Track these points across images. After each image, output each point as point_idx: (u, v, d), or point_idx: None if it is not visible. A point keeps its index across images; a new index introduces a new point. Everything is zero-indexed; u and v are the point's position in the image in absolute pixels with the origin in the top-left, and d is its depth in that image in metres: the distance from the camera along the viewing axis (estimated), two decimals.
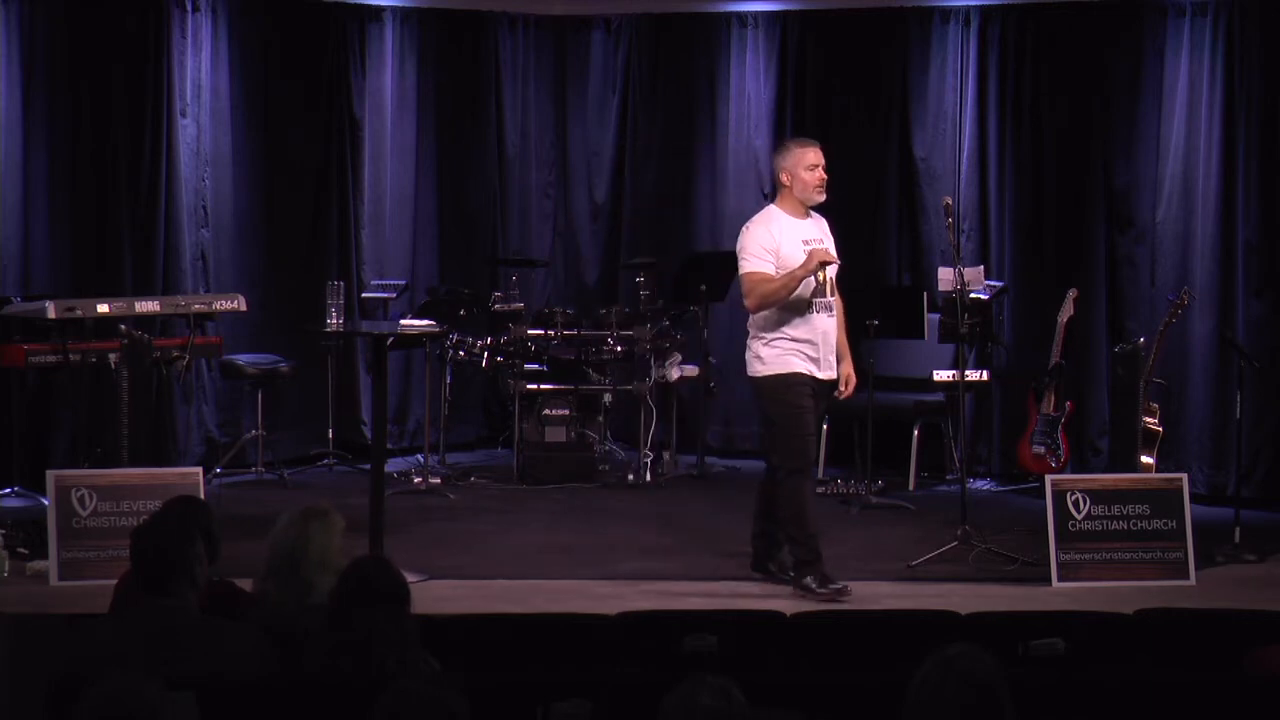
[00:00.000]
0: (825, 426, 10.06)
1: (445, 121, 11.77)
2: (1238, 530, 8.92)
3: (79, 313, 9.13)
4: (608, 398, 10.96)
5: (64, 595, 7.59)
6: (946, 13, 10.98)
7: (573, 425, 10.77)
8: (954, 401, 9.98)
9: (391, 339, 8.86)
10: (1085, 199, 10.63)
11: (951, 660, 3.74)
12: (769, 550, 8.19)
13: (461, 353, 10.72)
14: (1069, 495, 8.25)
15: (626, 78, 11.97)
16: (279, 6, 11.05)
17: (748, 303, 8.02)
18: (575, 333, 10.72)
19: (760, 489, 8.24)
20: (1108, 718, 4.62)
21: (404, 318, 10.23)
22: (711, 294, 10.77)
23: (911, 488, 10.44)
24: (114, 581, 5.45)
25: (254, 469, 10.53)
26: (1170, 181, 10.37)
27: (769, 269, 7.91)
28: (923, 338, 10.05)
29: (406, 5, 11.55)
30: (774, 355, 7.95)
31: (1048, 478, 8.45)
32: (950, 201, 9.14)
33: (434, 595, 7.44)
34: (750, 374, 8.08)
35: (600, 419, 10.99)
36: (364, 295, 11.14)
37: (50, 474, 8.12)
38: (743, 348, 8.20)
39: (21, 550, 8.24)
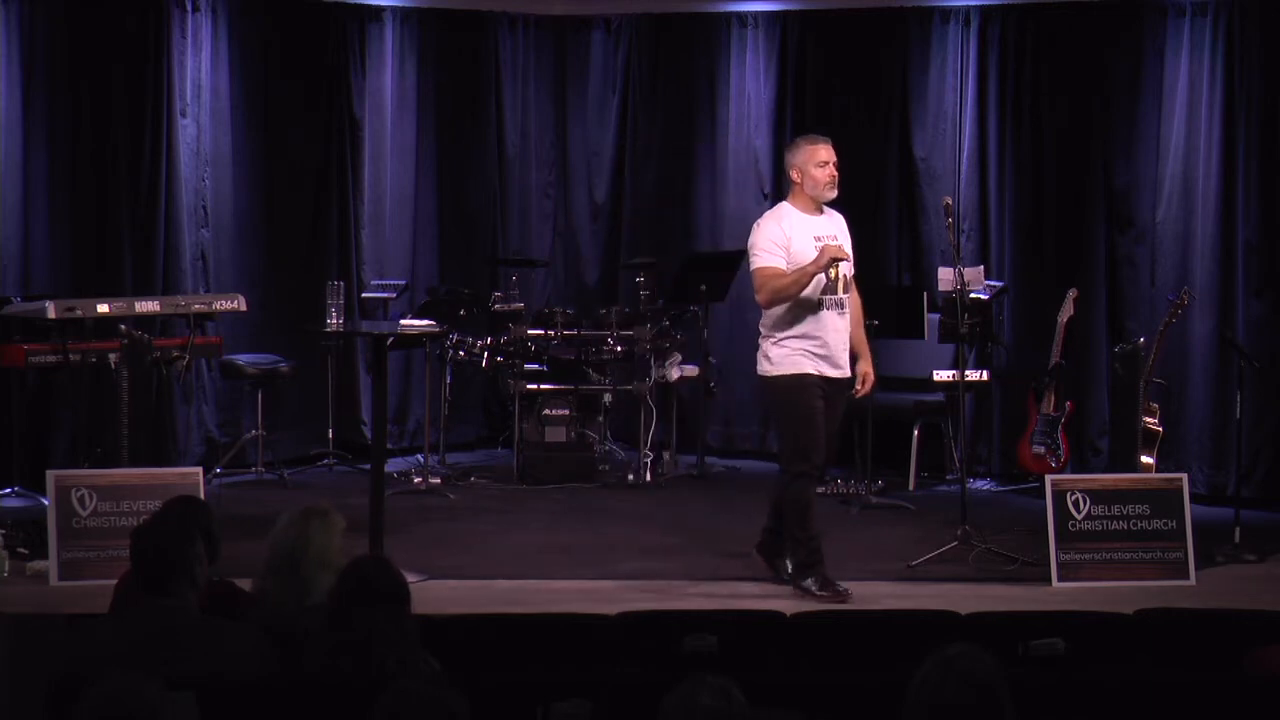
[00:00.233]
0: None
1: (445, 121, 11.77)
2: (1238, 530, 8.91)
3: (79, 313, 9.12)
4: (608, 398, 10.95)
5: (64, 595, 7.58)
6: (946, 13, 10.98)
7: (573, 425, 10.76)
8: (954, 401, 9.97)
9: (391, 339, 8.85)
10: (1085, 199, 10.62)
11: (951, 660, 3.74)
12: (776, 547, 8.17)
13: (461, 353, 10.71)
14: (1069, 495, 8.24)
15: (626, 78, 11.97)
16: (279, 6, 11.05)
17: (759, 298, 7.97)
18: (575, 333, 10.71)
19: (774, 485, 8.20)
20: (1108, 718, 4.61)
21: (404, 318, 10.22)
22: (711, 294, 10.75)
23: (911, 488, 10.43)
24: (114, 581, 5.44)
25: (254, 469, 10.53)
26: (1170, 181, 10.37)
27: (780, 264, 7.86)
28: (923, 338, 10.06)
29: (406, 5, 11.54)
30: (782, 355, 7.90)
31: (1048, 478, 8.44)
32: (950, 201, 9.13)
33: (434, 595, 7.43)
34: (759, 373, 8.05)
35: (600, 419, 10.99)
36: (364, 295, 11.14)
37: (50, 474, 8.11)
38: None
39: (21, 550, 8.23)
